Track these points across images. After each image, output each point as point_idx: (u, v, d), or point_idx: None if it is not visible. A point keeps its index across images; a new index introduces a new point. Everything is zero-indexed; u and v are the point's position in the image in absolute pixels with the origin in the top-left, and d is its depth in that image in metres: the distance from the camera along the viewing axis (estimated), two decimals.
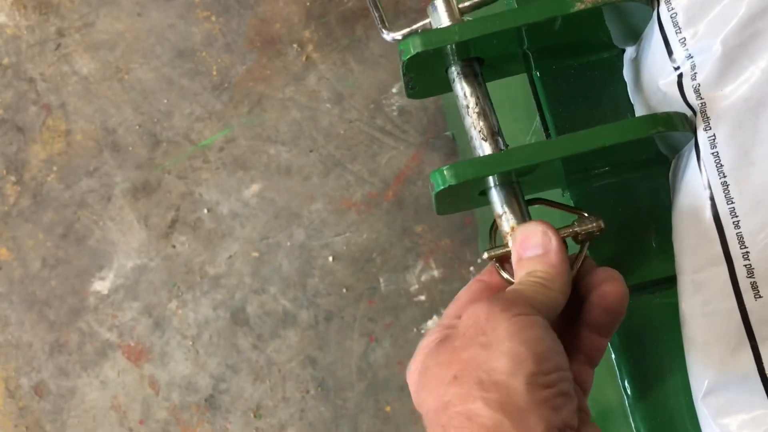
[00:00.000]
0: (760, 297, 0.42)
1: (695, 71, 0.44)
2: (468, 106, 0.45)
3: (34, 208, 1.37)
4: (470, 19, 0.46)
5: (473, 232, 1.33)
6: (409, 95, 0.50)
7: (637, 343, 0.49)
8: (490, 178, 0.43)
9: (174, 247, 1.34)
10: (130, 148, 1.38)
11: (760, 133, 0.42)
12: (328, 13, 1.42)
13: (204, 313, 1.31)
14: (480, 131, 0.45)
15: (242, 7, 1.44)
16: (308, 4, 1.43)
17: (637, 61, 0.50)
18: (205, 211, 1.35)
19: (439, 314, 1.31)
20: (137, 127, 1.39)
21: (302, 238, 1.33)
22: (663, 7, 0.45)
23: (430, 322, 1.30)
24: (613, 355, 0.50)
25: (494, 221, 0.45)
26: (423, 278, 1.32)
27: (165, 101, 1.40)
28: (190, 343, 1.31)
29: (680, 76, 0.44)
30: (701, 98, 0.43)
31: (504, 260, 0.44)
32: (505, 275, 0.44)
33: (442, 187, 0.42)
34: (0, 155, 1.39)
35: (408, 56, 0.44)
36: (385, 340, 1.30)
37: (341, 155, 1.36)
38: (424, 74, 0.47)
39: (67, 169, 1.38)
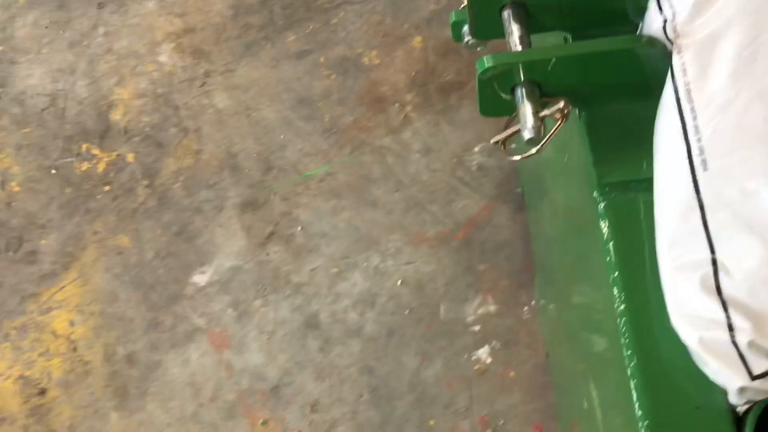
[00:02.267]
0: (707, 170, 0.58)
1: (674, 16, 0.62)
2: (512, 33, 0.65)
3: (158, 208, 1.61)
4: None
5: (531, 278, 1.47)
6: (472, 32, 0.69)
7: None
8: (520, 70, 0.61)
9: (267, 255, 1.54)
10: (246, 170, 1.63)
11: (714, 55, 0.59)
12: (429, 82, 1.67)
13: (282, 314, 1.49)
14: (516, 45, 0.64)
15: (358, 70, 1.71)
16: (413, 74, 1.68)
17: (641, 30, 0.68)
18: (299, 228, 1.56)
19: (491, 345, 1.43)
20: (255, 154, 1.65)
21: (377, 261, 1.51)
22: None
23: (480, 351, 1.43)
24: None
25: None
26: (480, 311, 1.46)
27: (281, 137, 1.66)
28: (266, 337, 1.47)
29: (665, 21, 0.63)
30: (676, 32, 0.61)
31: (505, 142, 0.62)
32: (505, 150, 0.62)
33: (483, 70, 0.61)
34: (139, 163, 1.66)
35: None
36: (438, 360, 1.43)
37: (422, 197, 1.56)
38: (484, 8, 0.66)
39: (191, 180, 1.63)
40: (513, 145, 0.69)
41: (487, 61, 0.59)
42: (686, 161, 0.59)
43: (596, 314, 0.79)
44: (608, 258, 0.63)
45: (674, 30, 0.61)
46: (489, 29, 0.68)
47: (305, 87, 1.70)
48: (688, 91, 0.59)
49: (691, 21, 0.61)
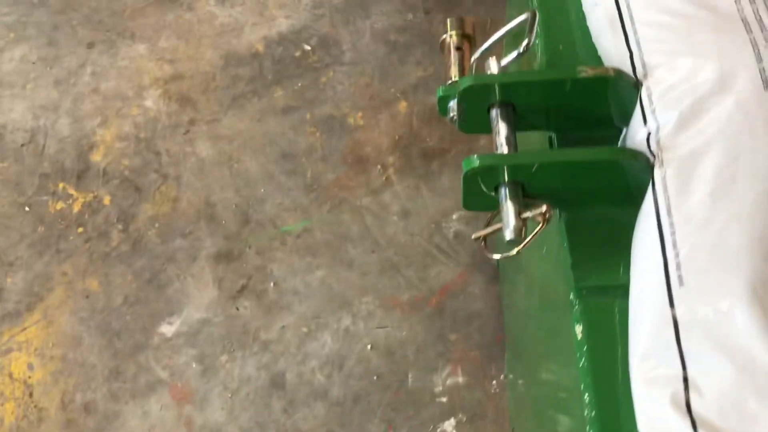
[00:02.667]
0: (683, 285, 0.58)
1: (658, 129, 0.63)
2: (499, 132, 0.65)
3: (131, 253, 1.59)
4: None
5: (501, 351, 1.46)
6: (460, 127, 0.70)
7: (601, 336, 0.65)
8: (504, 172, 0.62)
9: (237, 309, 1.53)
10: (223, 222, 1.62)
11: (696, 172, 0.60)
12: (412, 146, 1.69)
13: (248, 371, 1.47)
14: (501, 145, 0.64)
15: (344, 130, 1.72)
16: (397, 137, 1.70)
17: (625, 137, 0.69)
18: (272, 284, 1.55)
19: (457, 418, 1.42)
20: (234, 206, 1.64)
21: (348, 323, 1.50)
22: (643, 88, 0.65)
23: (446, 423, 1.41)
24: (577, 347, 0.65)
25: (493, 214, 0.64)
26: (448, 382, 1.45)
27: (262, 190, 1.65)
28: (230, 395, 1.45)
29: (649, 133, 0.64)
30: (660, 146, 0.62)
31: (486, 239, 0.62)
32: (486, 250, 0.62)
33: (469, 168, 0.61)
34: (116, 206, 1.65)
35: (463, 86, 0.65)
36: (403, 430, 1.41)
37: (398, 260, 1.55)
38: (473, 106, 0.67)
39: (167, 227, 1.62)
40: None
41: (474, 162, 0.60)
42: (663, 275, 0.59)
43: (564, 394, 0.78)
44: (581, 363, 0.63)
45: (657, 143, 0.63)
46: (476, 125, 0.69)
47: (290, 142, 1.70)
48: (669, 206, 0.60)
49: (675, 136, 0.62)
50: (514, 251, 0.62)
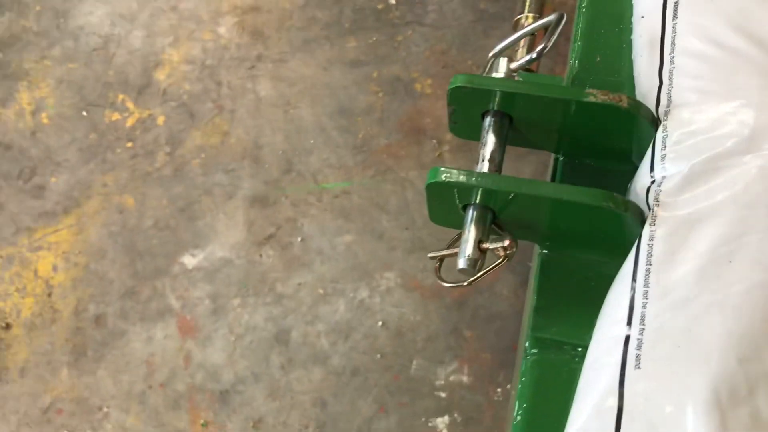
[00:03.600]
0: (639, 368, 0.50)
1: (662, 181, 0.53)
2: (485, 144, 0.57)
3: (171, 178, 1.59)
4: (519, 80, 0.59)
5: (514, 359, 1.38)
6: (451, 129, 0.62)
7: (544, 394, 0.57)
8: (473, 194, 0.54)
9: (260, 256, 1.50)
10: (266, 166, 1.59)
11: (689, 240, 0.51)
12: None
13: (256, 320, 1.45)
14: (484, 159, 0.56)
15: (407, 95, 1.64)
16: None
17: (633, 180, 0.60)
18: (299, 239, 1.51)
19: (452, 416, 1.36)
20: (280, 152, 1.60)
21: (365, 295, 1.45)
22: (661, 128, 0.56)
23: (440, 419, 1.35)
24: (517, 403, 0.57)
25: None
26: (451, 378, 1.38)
27: (311, 141, 1.60)
28: (233, 339, 1.43)
29: (651, 182, 0.54)
30: (657, 201, 0.53)
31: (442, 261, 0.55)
32: (439, 274, 0.55)
33: (432, 180, 0.54)
34: (167, 128, 1.64)
35: (452, 86, 0.57)
36: (394, 416, 1.36)
37: (430, 243, 1.48)
38: (464, 110, 0.59)
39: (211, 160, 1.60)
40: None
41: (438, 175, 0.52)
42: (621, 350, 0.51)
43: None
44: (516, 417, 0.56)
45: (656, 197, 0.53)
46: (468, 131, 0.61)
47: (349, 97, 1.64)
48: (648, 272, 0.51)
49: (677, 193, 0.52)
50: (465, 283, 0.55)
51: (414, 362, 1.39)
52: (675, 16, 0.61)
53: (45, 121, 1.66)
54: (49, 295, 1.50)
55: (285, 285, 1.47)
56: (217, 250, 1.51)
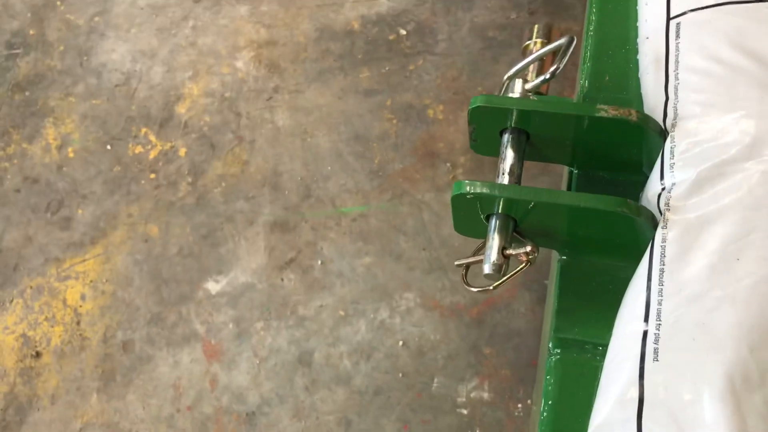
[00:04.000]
0: (657, 360, 0.53)
1: (672, 187, 0.58)
2: (504, 158, 0.62)
3: (194, 207, 1.64)
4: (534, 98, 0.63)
5: (534, 375, 1.41)
6: (472, 146, 0.67)
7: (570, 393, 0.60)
8: (495, 204, 0.58)
9: (282, 280, 1.54)
10: (286, 192, 1.64)
11: (699, 240, 0.55)
12: None
13: (279, 343, 1.48)
14: (504, 173, 0.61)
15: (420, 121, 1.69)
16: None
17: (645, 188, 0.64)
18: (319, 262, 1.55)
19: None
20: (299, 178, 1.65)
21: (385, 315, 1.49)
22: (668, 139, 0.60)
23: None
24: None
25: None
26: (472, 395, 1.41)
27: (329, 168, 1.65)
28: (258, 361, 1.47)
29: (662, 189, 0.59)
30: (668, 206, 0.57)
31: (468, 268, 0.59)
32: (466, 280, 0.59)
33: (457, 193, 0.58)
34: (189, 159, 1.70)
35: (472, 106, 0.61)
36: None
37: (447, 263, 1.52)
38: (484, 129, 0.64)
39: (232, 188, 1.65)
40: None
41: (463, 187, 0.57)
42: (640, 345, 0.54)
43: None
44: (543, 413, 0.59)
45: (667, 202, 0.57)
46: (489, 148, 0.65)
47: (364, 125, 1.70)
48: (662, 271, 0.55)
49: (687, 197, 0.56)
50: (491, 287, 0.59)
51: (435, 380, 1.43)
52: (678, 36, 0.66)
53: (71, 155, 1.72)
54: (78, 323, 1.54)
55: (306, 308, 1.51)
56: (240, 276, 1.56)
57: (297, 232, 1.59)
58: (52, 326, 1.54)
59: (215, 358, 1.48)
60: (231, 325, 1.51)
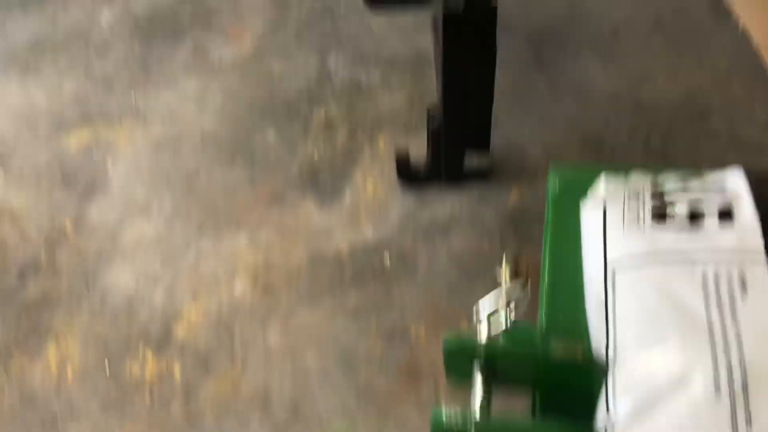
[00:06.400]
0: None
1: (615, 417, 0.68)
2: (475, 385, 0.72)
3: (187, 428, 1.69)
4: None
5: None
6: (446, 377, 0.77)
7: None
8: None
9: None
10: (275, 412, 1.70)
11: None
12: None
13: None
14: (475, 397, 0.71)
15: (404, 341, 1.80)
16: None
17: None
18: None
19: None
20: (288, 399, 1.72)
21: None
22: (610, 374, 0.71)
23: None
24: None
25: None
26: None
27: (317, 387, 1.73)
28: None
29: (608, 420, 0.69)
30: None
31: None
32: None
33: (437, 420, 0.68)
34: (183, 378, 1.77)
35: (445, 348, 0.73)
36: None
37: None
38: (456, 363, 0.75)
39: (223, 408, 1.71)
40: None
41: (439, 417, 0.66)
42: None
43: None
44: None
45: None
46: (461, 379, 0.76)
47: (352, 344, 1.80)
48: None
49: (626, 428, 0.66)
50: None
51: None
52: (614, 282, 0.79)
53: (69, 376, 1.80)
54: None
55: None
56: None
57: None
58: None
59: None
60: None
